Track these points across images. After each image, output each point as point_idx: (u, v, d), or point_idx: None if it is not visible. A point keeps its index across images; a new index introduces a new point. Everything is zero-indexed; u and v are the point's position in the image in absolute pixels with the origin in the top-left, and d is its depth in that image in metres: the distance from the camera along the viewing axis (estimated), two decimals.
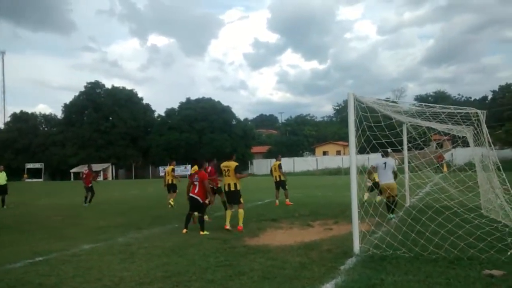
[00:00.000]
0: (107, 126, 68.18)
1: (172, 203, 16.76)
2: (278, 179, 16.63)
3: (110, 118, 69.87)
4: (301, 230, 10.60)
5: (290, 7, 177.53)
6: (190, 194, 10.82)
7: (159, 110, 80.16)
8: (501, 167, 8.46)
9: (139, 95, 76.08)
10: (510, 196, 8.08)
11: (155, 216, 14.09)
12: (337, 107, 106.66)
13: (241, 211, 10.87)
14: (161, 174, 60.19)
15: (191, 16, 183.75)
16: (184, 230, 10.58)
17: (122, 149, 67.56)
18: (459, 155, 37.64)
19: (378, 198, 12.64)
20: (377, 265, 6.64)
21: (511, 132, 39.11)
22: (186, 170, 55.86)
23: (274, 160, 17.87)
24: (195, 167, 12.57)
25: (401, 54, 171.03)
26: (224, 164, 11.12)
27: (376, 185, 12.91)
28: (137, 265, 7.38)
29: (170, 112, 71.95)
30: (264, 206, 15.81)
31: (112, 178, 65.90)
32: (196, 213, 10.84)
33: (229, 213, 11.00)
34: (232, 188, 10.94)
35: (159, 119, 73.91)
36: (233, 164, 11.05)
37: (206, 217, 13.11)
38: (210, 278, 6.28)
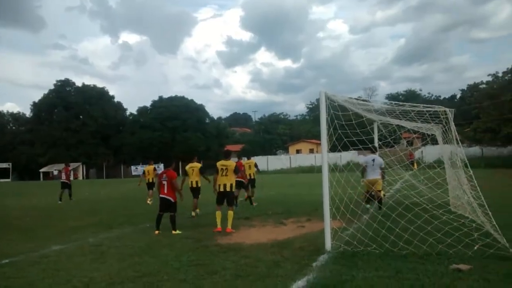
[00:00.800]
0: (78, 124, 66.95)
1: (149, 202, 17.82)
2: (251, 177, 16.68)
3: (81, 117, 68.68)
4: (274, 228, 10.64)
5: (263, 5, 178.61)
6: (160, 195, 10.65)
7: (131, 108, 79.06)
8: (468, 164, 8.66)
9: (111, 93, 75.15)
10: (476, 193, 8.26)
11: (126, 216, 13.91)
12: (310, 106, 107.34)
13: (232, 212, 10.51)
14: (134, 173, 59.71)
15: (164, 14, 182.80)
16: (156, 232, 10.41)
17: (93, 148, 66.50)
18: (429, 153, 38.45)
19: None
20: (348, 262, 6.73)
21: (479, 130, 40.06)
22: (159, 169, 55.43)
23: (245, 158, 17.90)
24: (195, 165, 13.30)
25: (373, 53, 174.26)
26: (222, 163, 10.68)
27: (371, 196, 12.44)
28: (107, 265, 7.28)
29: (142, 111, 71.18)
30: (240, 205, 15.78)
31: (83, 178, 64.73)
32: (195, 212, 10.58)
33: (219, 214, 10.52)
34: (228, 189, 10.56)
35: (131, 118, 73.04)
36: (232, 164, 10.70)
37: (193, 213, 13.33)
38: (182, 278, 6.24)
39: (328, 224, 7.69)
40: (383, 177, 12.45)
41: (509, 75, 39.93)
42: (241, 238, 9.38)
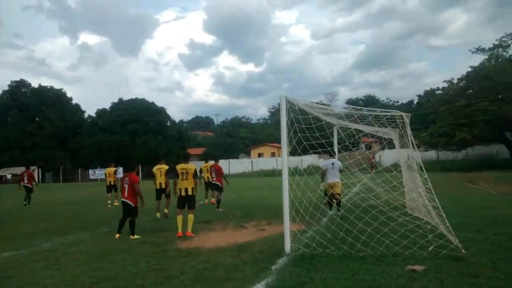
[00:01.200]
0: (34, 127, 64.64)
1: (109, 203, 18.55)
2: (209, 180, 17.00)
3: (37, 119, 66.36)
4: (234, 232, 10.60)
5: (226, 9, 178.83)
6: (122, 199, 10.45)
7: (90, 110, 77.47)
8: (423, 167, 8.92)
9: (68, 95, 72.87)
10: (431, 195, 8.51)
11: (83, 221, 13.54)
12: (272, 110, 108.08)
13: (192, 216, 10.35)
14: (91, 177, 58.30)
15: (124, 15, 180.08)
16: (117, 235, 10.18)
17: (50, 151, 64.35)
18: (386, 157, 39.37)
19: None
20: (307, 264, 6.78)
21: (435, 135, 41.25)
22: (118, 173, 54.39)
23: (203, 162, 18.01)
24: (162, 166, 13.41)
25: (334, 58, 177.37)
26: (181, 166, 10.44)
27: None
28: (62, 271, 7.06)
29: (101, 113, 69.48)
30: (197, 209, 15.64)
31: (39, 182, 62.59)
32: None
33: (180, 218, 10.28)
34: (190, 193, 10.35)
35: (89, 120, 71.17)
36: (192, 167, 10.46)
37: (166, 210, 13.41)
38: (140, 283, 6.13)
39: (287, 227, 7.74)
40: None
41: (464, 82, 41.34)
42: (201, 242, 9.30)
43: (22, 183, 21.13)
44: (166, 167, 14.08)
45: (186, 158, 10.89)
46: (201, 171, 17.25)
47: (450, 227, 7.57)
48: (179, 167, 10.44)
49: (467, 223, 10.07)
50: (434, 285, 5.42)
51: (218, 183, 16.01)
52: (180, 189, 10.39)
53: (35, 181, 21.97)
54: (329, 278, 5.91)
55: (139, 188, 10.35)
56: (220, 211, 14.76)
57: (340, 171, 12.53)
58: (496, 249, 7.31)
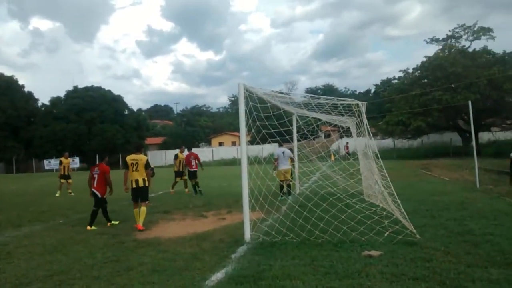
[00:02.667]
0: None
1: (70, 191, 19.01)
2: (182, 169, 17.03)
3: None
4: (194, 221, 10.56)
5: None
6: (92, 189, 10.31)
7: (43, 99, 74.47)
8: (379, 155, 9.11)
9: (20, 82, 69.53)
10: (387, 182, 8.71)
11: (37, 213, 13.08)
12: (232, 98, 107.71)
13: (144, 209, 9.87)
14: (46, 167, 56.53)
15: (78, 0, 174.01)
16: (88, 227, 9.95)
17: (1, 141, 61.73)
18: (344, 145, 40.08)
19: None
20: (267, 252, 6.84)
21: (391, 123, 42.17)
22: (74, 162, 53.07)
23: (177, 150, 17.85)
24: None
25: (293, 47, 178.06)
26: (131, 157, 10.01)
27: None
28: (14, 265, 6.84)
29: (55, 101, 67.04)
30: (157, 198, 15.48)
31: None
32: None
33: (137, 211, 9.87)
34: (141, 184, 9.86)
35: (43, 109, 68.54)
36: (143, 158, 10.01)
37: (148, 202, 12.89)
38: (96, 275, 6.01)
39: (247, 215, 7.76)
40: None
41: (418, 72, 42.38)
42: (160, 232, 9.21)
43: None
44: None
45: (137, 149, 10.38)
46: (176, 158, 17.22)
47: (405, 213, 7.79)
48: (129, 158, 10.02)
49: (421, 209, 10.40)
50: (390, 270, 5.56)
51: (196, 170, 16.56)
52: (132, 181, 9.94)
53: None
54: (288, 265, 5.98)
55: (110, 178, 10.37)
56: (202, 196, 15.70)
57: (291, 158, 14.01)
58: (449, 234, 7.58)
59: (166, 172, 21.58)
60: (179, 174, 17.07)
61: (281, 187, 13.61)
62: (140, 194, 9.97)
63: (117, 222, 10.22)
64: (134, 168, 9.88)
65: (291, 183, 13.92)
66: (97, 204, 10.23)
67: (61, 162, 20.14)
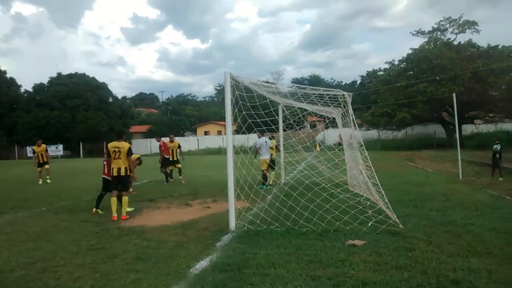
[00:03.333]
0: None
1: (47, 177, 18.73)
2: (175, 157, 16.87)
3: None
4: (179, 210, 10.54)
5: None
6: (103, 176, 10.31)
7: (26, 85, 72.63)
8: (364, 145, 9.17)
9: (2, 68, 68.87)
10: (371, 172, 8.79)
11: (19, 199, 12.95)
12: (218, 88, 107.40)
13: (126, 198, 9.70)
14: (29, 155, 55.71)
15: None
16: (94, 210, 10.21)
17: None
18: (330, 136, 40.26)
19: (273, 174, 14.79)
20: (251, 240, 6.87)
21: (376, 114, 42.42)
22: (57, 150, 52.59)
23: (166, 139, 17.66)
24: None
25: (280, 37, 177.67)
26: (113, 144, 9.76)
27: (273, 162, 14.74)
28: None
29: (38, 88, 65.94)
30: (141, 187, 15.42)
31: None
32: None
33: (114, 200, 9.62)
34: (123, 173, 9.62)
35: (26, 95, 67.40)
36: (125, 145, 9.75)
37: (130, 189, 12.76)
38: (80, 263, 5.99)
39: (232, 204, 7.77)
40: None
41: (404, 63, 42.58)
42: (144, 220, 9.19)
43: None
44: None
45: (119, 136, 10.08)
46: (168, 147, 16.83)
47: (389, 203, 7.88)
48: (111, 145, 9.79)
49: (405, 199, 10.52)
50: (373, 259, 5.63)
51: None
52: (113, 169, 9.72)
53: None
54: (273, 254, 6.01)
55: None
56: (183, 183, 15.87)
57: (271, 148, 14.50)
58: (431, 224, 7.69)
59: (151, 161, 21.43)
60: (171, 162, 16.78)
61: (265, 176, 14.04)
62: (121, 183, 9.79)
63: (101, 212, 10.14)
64: (116, 156, 9.65)
65: (267, 173, 14.25)
66: (105, 189, 10.38)
67: (33, 151, 19.49)
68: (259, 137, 14.60)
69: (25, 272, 5.64)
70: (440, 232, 7.09)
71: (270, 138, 14.92)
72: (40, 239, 7.59)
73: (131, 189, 12.96)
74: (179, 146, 17.04)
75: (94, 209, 10.20)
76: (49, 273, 5.57)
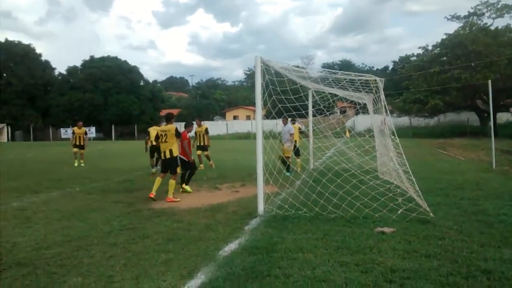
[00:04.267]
0: (1, 83, 62.27)
1: (82, 162, 18.52)
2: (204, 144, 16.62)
3: (4, 75, 63.85)
4: (209, 193, 10.67)
5: None
6: (179, 155, 10.39)
7: (60, 68, 74.44)
8: (395, 132, 9.04)
9: (38, 51, 69.95)
10: (402, 160, 8.67)
11: (54, 180, 13.37)
12: (248, 72, 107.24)
13: (173, 182, 9.84)
14: (63, 136, 57.18)
15: None
16: (181, 189, 10.70)
17: (19, 109, 62.43)
18: (360, 122, 39.80)
19: (298, 161, 14.50)
20: (280, 225, 6.91)
21: (408, 101, 41.69)
22: (90, 132, 53.73)
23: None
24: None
25: (311, 21, 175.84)
26: (161, 128, 10.12)
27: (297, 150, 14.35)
28: (33, 229, 7.02)
29: (72, 71, 67.34)
30: None
31: (8, 140, 61.19)
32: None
33: (159, 180, 9.92)
34: (168, 155, 9.87)
35: (60, 78, 68.89)
36: (171, 127, 9.88)
37: (154, 170, 13.65)
38: (113, 242, 6.14)
39: (261, 189, 7.81)
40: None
41: (438, 49, 41.51)
42: (175, 203, 9.33)
43: None
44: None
45: (167, 119, 10.26)
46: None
47: (419, 191, 7.77)
48: (159, 129, 10.07)
49: (435, 187, 10.36)
50: (402, 246, 5.59)
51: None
52: (162, 152, 10.05)
53: None
54: (300, 239, 6.03)
55: (187, 145, 10.78)
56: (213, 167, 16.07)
57: (291, 134, 13.83)
58: (462, 213, 7.56)
59: None
60: (199, 147, 16.59)
61: (288, 165, 13.22)
62: (168, 166, 10.03)
63: (190, 190, 10.81)
64: (163, 140, 9.88)
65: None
66: (185, 167, 10.74)
67: (73, 132, 19.05)
68: (285, 125, 14.00)
69: (60, 250, 5.83)
70: (472, 221, 6.96)
71: (292, 123, 14.42)
72: (74, 218, 7.82)
73: (152, 173, 13.65)
74: (207, 131, 16.71)
75: (180, 188, 10.66)
76: (83, 251, 5.74)
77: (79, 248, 5.87)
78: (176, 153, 9.94)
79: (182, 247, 5.84)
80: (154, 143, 13.79)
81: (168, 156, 9.88)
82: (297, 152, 14.35)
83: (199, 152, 16.59)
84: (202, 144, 16.58)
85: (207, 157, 16.68)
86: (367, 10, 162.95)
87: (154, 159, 14.31)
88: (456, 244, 5.68)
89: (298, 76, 10.22)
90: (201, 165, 16.27)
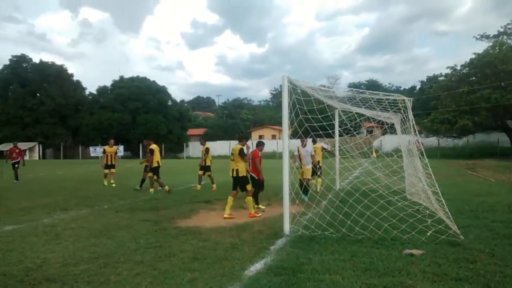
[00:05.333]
0: (34, 103, 63.99)
1: (112, 182, 17.98)
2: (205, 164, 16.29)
3: (38, 95, 65.74)
4: (234, 212, 10.64)
5: None
6: (250, 173, 10.82)
7: (91, 88, 76.49)
8: (424, 152, 8.91)
9: (69, 71, 72.09)
10: (431, 180, 8.52)
11: (83, 197, 13.60)
12: (274, 92, 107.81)
13: (250, 199, 10.19)
14: (92, 154, 58.28)
15: None
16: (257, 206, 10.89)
17: (50, 127, 64.17)
18: (387, 142, 39.38)
19: (319, 180, 13.90)
20: (306, 245, 6.83)
21: (436, 121, 41.15)
22: (118, 151, 54.58)
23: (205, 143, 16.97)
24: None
25: (337, 41, 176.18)
26: (233, 147, 10.60)
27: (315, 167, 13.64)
28: (62, 246, 7.13)
29: (102, 90, 69.06)
30: (197, 189, 15.72)
31: (39, 158, 62.69)
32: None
33: (231, 200, 10.19)
34: (234, 174, 10.27)
35: (90, 97, 70.72)
36: (237, 147, 10.31)
37: (166, 188, 13.88)
38: (139, 260, 6.18)
39: (287, 208, 7.77)
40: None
41: (467, 69, 40.96)
42: (201, 221, 9.36)
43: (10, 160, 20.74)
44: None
45: (239, 139, 10.74)
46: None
47: (449, 213, 7.59)
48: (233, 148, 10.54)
49: (465, 209, 10.11)
50: (432, 269, 5.45)
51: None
52: (231, 170, 10.41)
53: (23, 159, 21.36)
54: (327, 260, 5.95)
55: (258, 163, 10.90)
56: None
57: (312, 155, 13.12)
58: (494, 236, 7.35)
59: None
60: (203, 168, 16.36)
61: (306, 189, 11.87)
62: (237, 184, 10.39)
63: (263, 208, 10.98)
64: (232, 158, 10.42)
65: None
66: (254, 185, 10.84)
67: (104, 151, 18.68)
68: (304, 146, 12.84)
69: (88, 266, 5.89)
70: (504, 244, 6.75)
71: (313, 142, 13.82)
72: (102, 236, 7.91)
73: (166, 190, 13.79)
74: (207, 151, 16.31)
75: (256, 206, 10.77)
76: (110, 269, 5.79)
77: (106, 265, 5.92)
78: (242, 173, 10.27)
79: (207, 266, 5.83)
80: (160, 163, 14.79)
81: (234, 174, 10.31)
82: (313, 173, 13.54)
83: (200, 172, 16.42)
84: (204, 164, 16.30)
85: (210, 177, 16.36)
86: (394, 30, 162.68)
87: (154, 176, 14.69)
88: (489, 268, 5.51)
89: (324, 95, 10.22)
90: (198, 186, 16.11)
